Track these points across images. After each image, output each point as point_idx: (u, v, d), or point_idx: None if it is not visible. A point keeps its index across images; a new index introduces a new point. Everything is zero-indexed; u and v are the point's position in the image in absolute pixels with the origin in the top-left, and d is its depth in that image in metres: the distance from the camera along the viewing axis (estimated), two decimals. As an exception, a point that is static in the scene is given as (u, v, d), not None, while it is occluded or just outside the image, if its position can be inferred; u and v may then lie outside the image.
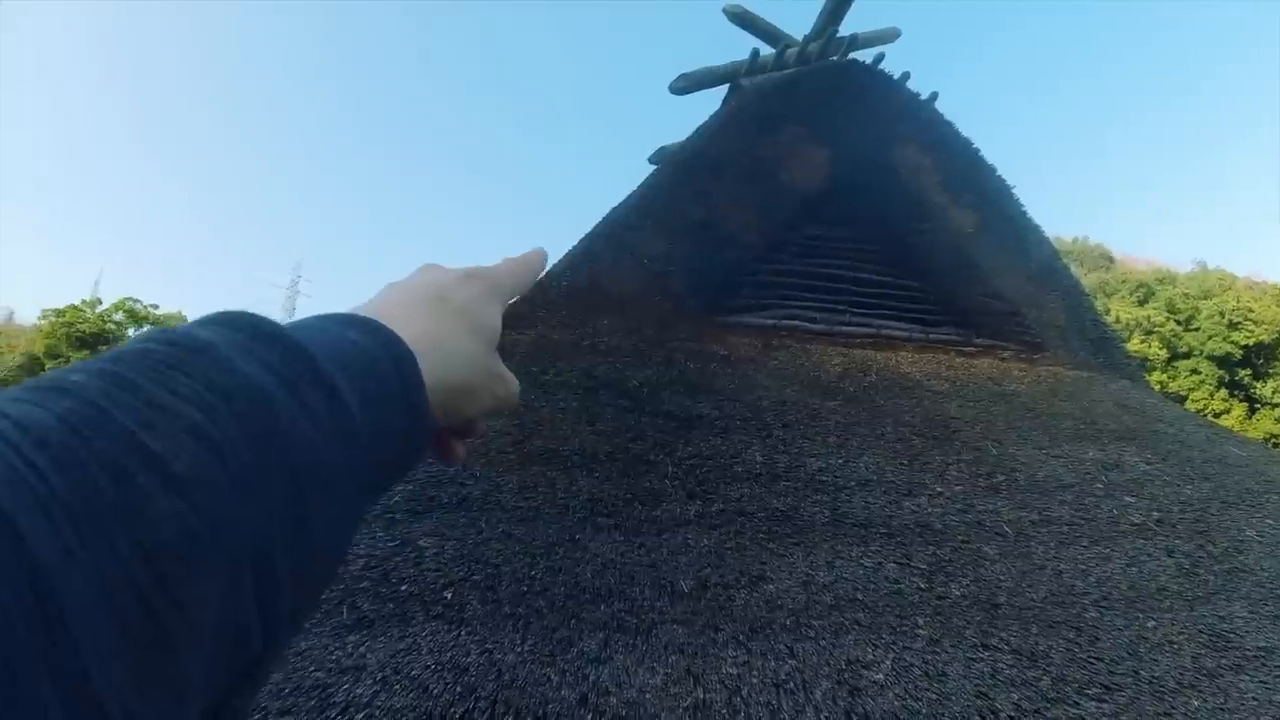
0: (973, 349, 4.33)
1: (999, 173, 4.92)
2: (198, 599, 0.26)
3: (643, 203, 4.00)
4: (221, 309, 0.35)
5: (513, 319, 3.54)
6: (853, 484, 2.69)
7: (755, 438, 2.84)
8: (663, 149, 5.23)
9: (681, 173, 4.13)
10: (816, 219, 4.50)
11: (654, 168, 4.56)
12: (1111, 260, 36.90)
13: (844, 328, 4.07)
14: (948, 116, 4.79)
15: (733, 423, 2.92)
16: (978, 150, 4.84)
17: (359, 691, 1.83)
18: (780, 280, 4.17)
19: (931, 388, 3.67)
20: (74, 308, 21.70)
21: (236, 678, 0.30)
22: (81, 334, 20.86)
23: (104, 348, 20.07)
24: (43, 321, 21.87)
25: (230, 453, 0.28)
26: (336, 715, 1.78)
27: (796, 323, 3.97)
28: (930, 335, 4.31)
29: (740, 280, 4.08)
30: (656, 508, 2.41)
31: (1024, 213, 4.96)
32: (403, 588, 2.11)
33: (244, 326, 0.34)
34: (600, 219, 3.98)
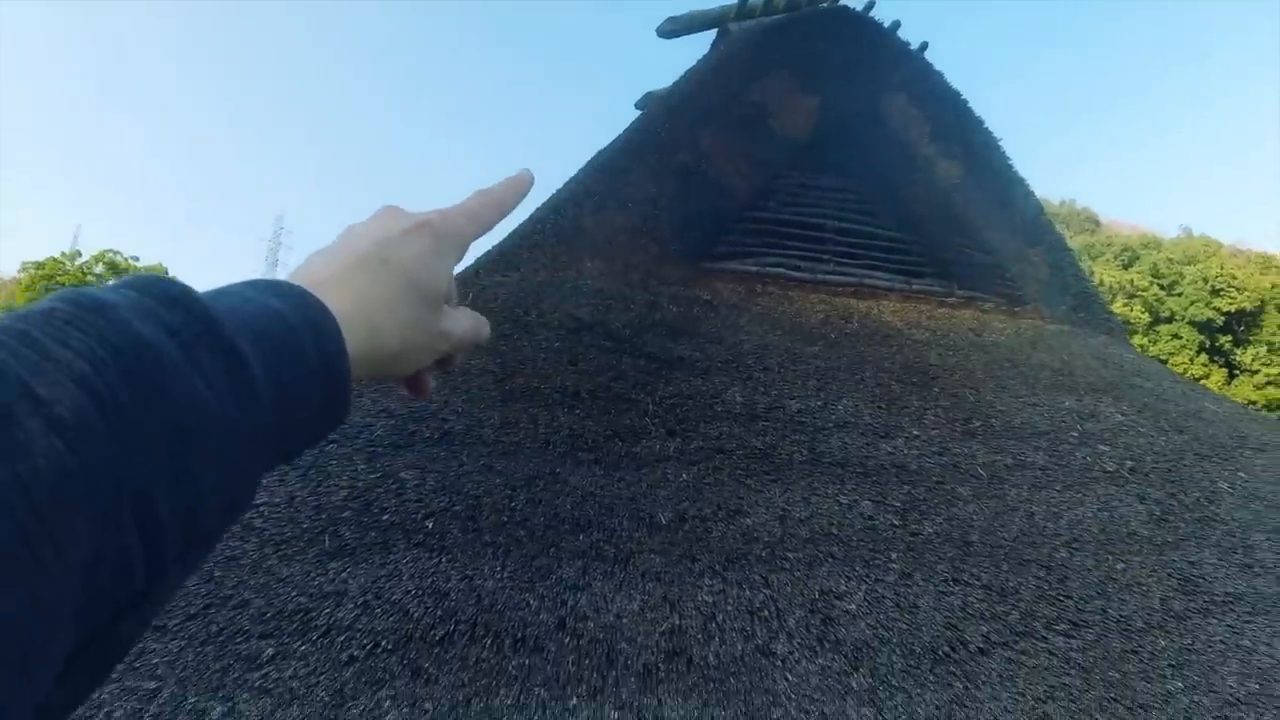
0: (955, 300, 4.36)
1: (987, 126, 4.92)
2: (71, 529, 0.28)
3: (629, 147, 3.96)
4: (143, 276, 0.38)
5: (497, 261, 3.53)
6: (831, 425, 2.73)
7: (736, 379, 2.87)
8: (650, 94, 5.15)
9: (669, 117, 4.08)
10: (803, 167, 4.48)
11: (640, 113, 4.51)
12: (1098, 224, 37.01)
13: (827, 276, 4.08)
14: (937, 68, 4.77)
15: (714, 364, 2.94)
16: (966, 102, 4.82)
17: (340, 615, 1.86)
18: (766, 228, 4.17)
19: (912, 336, 3.70)
20: (54, 260, 21.55)
21: (121, 607, 0.32)
22: (61, 286, 20.61)
23: (86, 301, 19.99)
24: (22, 274, 21.61)
25: (112, 402, 0.30)
26: (318, 638, 1.81)
27: (780, 270, 3.98)
28: (913, 286, 4.33)
29: (726, 227, 4.07)
30: (636, 444, 2.44)
31: (1010, 166, 4.96)
32: (384, 517, 2.13)
33: (153, 291, 0.36)
34: (586, 162, 3.95)
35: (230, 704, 1.65)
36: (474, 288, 3.29)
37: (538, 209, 3.80)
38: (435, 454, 2.36)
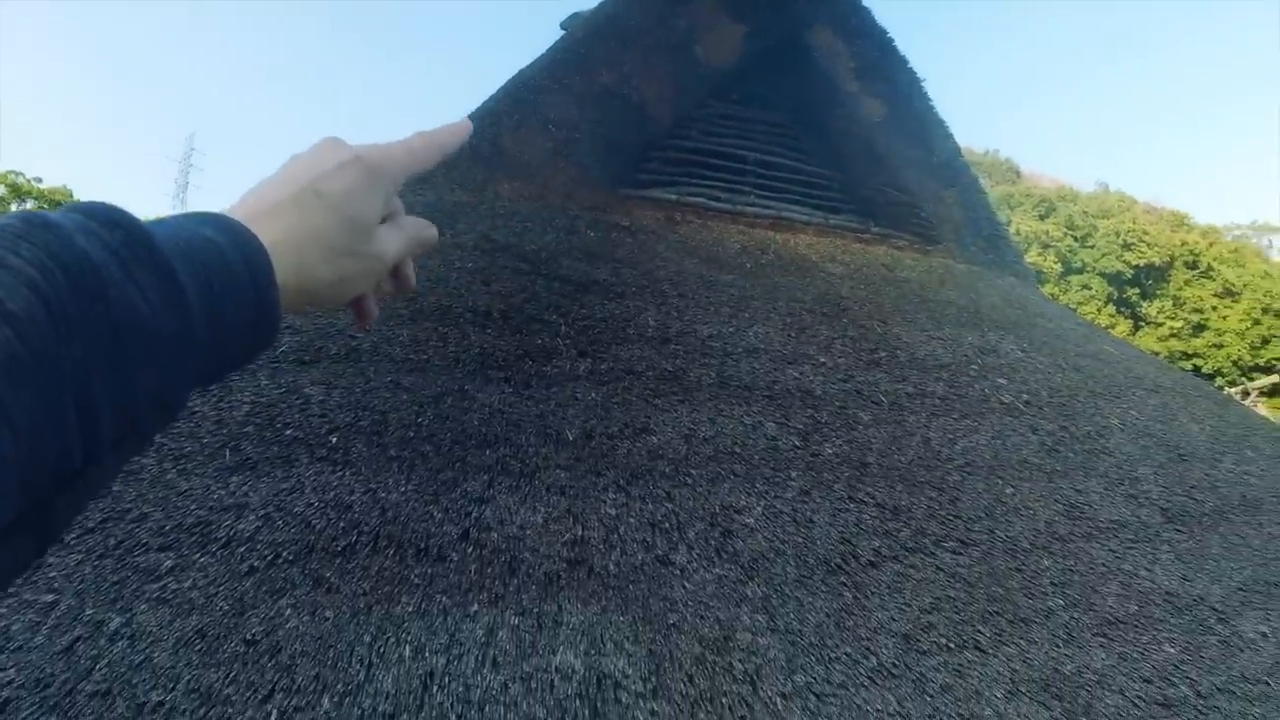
0: (870, 237, 4.45)
1: (911, 66, 4.96)
2: (17, 401, 0.32)
3: (552, 67, 3.86)
4: (88, 202, 0.42)
5: (411, 180, 3.43)
6: (740, 351, 2.78)
7: (650, 304, 2.89)
8: (576, 15, 5.02)
9: (593, 39, 3.98)
10: (727, 98, 4.46)
11: (564, 33, 4.39)
12: (1019, 175, 37.98)
13: (747, 208, 4.10)
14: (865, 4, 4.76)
15: (629, 289, 2.95)
16: (892, 40, 4.83)
17: (241, 527, 1.84)
18: (687, 157, 4.15)
19: (826, 269, 3.78)
20: None
21: (60, 482, 0.36)
22: None
23: (-16, 221, 18.71)
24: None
25: (56, 303, 0.35)
26: (218, 549, 1.79)
27: (700, 200, 3.98)
28: (830, 221, 4.40)
29: (647, 154, 4.04)
30: (547, 364, 2.44)
31: (931, 108, 5.03)
32: (287, 432, 2.10)
33: (97, 215, 0.40)
34: (507, 81, 3.83)
35: (128, 615, 1.63)
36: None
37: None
38: (341, 370, 2.32)
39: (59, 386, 0.34)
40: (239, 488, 1.94)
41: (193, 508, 1.87)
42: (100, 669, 1.51)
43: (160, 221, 0.46)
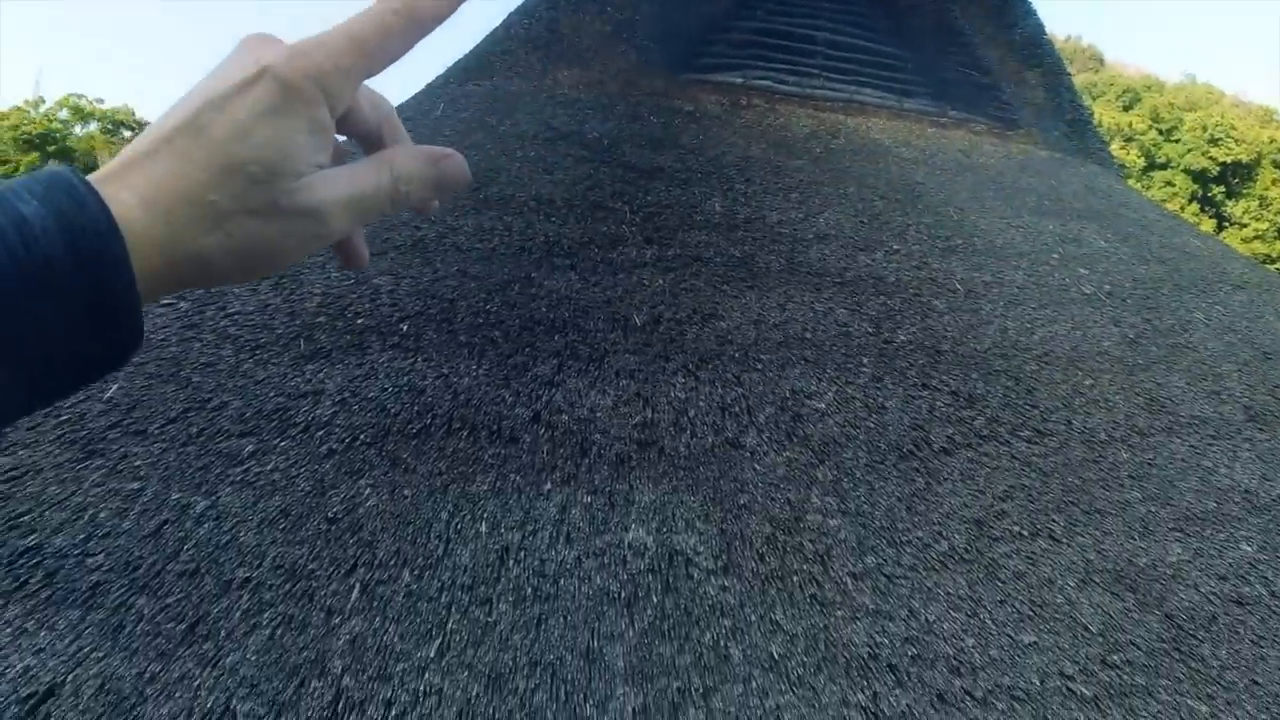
0: (947, 121, 4.22)
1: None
2: None
3: (609, -54, 3.68)
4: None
5: (467, 69, 3.36)
6: (810, 237, 2.70)
7: (716, 190, 2.81)
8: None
9: (652, -87, 3.77)
10: (796, -27, 4.20)
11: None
12: (1102, 63, 35.70)
13: (816, 91, 3.91)
14: None
15: (694, 175, 2.87)
16: (973, -93, 4.48)
17: (318, 413, 1.89)
18: (752, 38, 3.93)
19: (900, 154, 3.61)
20: (18, 109, 20.58)
21: None
22: (29, 135, 19.79)
23: (52, 148, 19.20)
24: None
25: None
26: (297, 434, 1.84)
27: (767, 83, 3.79)
28: (904, 104, 4.17)
29: (711, 36, 3.85)
30: (613, 251, 2.40)
31: (1014, -20, 4.68)
32: (359, 321, 2.12)
33: None
34: (563, -38, 3.67)
35: (214, 498, 1.70)
36: (443, 98, 3.15)
37: (510, 14, 3.58)
38: (409, 261, 2.32)
39: None
40: (314, 375, 1.98)
41: (271, 395, 1.92)
42: (187, 550, 1.58)
43: None
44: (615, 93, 3.33)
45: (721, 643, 1.57)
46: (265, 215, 0.41)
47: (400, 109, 3.09)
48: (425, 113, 3.02)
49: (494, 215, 2.48)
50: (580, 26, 3.48)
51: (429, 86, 3.35)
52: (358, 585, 1.58)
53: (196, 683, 1.36)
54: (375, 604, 1.55)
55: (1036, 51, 4.88)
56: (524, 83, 3.24)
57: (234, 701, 1.34)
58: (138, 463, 1.74)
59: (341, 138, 0.47)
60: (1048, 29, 5.14)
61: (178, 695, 1.33)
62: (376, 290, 2.21)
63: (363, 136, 0.50)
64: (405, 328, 2.10)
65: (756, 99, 3.65)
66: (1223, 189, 24.29)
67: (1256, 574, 2.17)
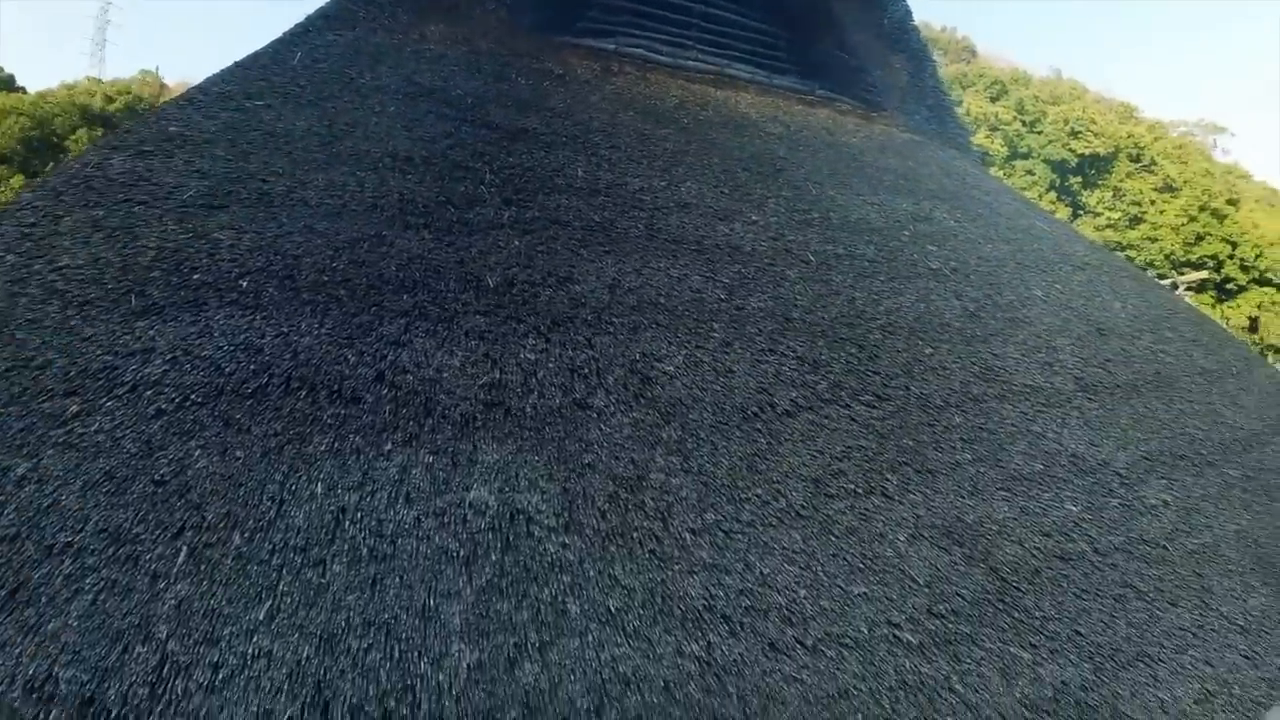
0: (814, 99, 4.34)
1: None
2: None
3: (483, -101, 3.57)
4: None
5: (329, 19, 3.20)
6: (671, 205, 2.74)
7: (581, 155, 2.80)
8: None
9: None
10: (673, -57, 4.20)
11: None
12: (974, 54, 37.29)
13: (689, 63, 3.94)
14: None
15: (559, 139, 2.85)
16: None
17: (148, 371, 1.79)
18: (628, 5, 3.92)
19: (766, 129, 3.69)
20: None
21: None
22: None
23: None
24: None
25: None
26: (124, 393, 1.75)
27: (640, 51, 3.79)
28: (774, 81, 4.26)
29: (586, 1, 3.82)
30: (470, 211, 2.37)
31: (883, -35, 4.83)
32: (195, 276, 2.02)
33: None
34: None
35: (35, 460, 1.59)
36: (302, 46, 3.00)
37: (379, -38, 3.42)
38: (253, 215, 2.22)
39: None
40: (145, 332, 1.87)
41: (98, 353, 1.81)
42: (8, 514, 1.49)
43: None
44: (485, 51, 3.26)
45: (560, 598, 1.60)
46: None
47: (256, 57, 2.93)
48: (281, 62, 2.87)
49: (346, 170, 2.39)
50: (450, -19, 3.38)
51: (288, 34, 3.18)
52: (185, 548, 1.52)
53: (18, 650, 1.31)
54: (203, 567, 1.50)
55: (903, 37, 5.08)
56: (389, 35, 3.13)
57: (56, 668, 1.30)
58: (-45, 424, 1.62)
59: None
60: (921, 18, 5.35)
61: (-4, 663, 1.27)
62: (216, 245, 2.10)
63: None
64: (245, 284, 2.01)
65: (628, 66, 3.65)
66: (1080, 179, 25.91)
67: (1080, 532, 2.36)
